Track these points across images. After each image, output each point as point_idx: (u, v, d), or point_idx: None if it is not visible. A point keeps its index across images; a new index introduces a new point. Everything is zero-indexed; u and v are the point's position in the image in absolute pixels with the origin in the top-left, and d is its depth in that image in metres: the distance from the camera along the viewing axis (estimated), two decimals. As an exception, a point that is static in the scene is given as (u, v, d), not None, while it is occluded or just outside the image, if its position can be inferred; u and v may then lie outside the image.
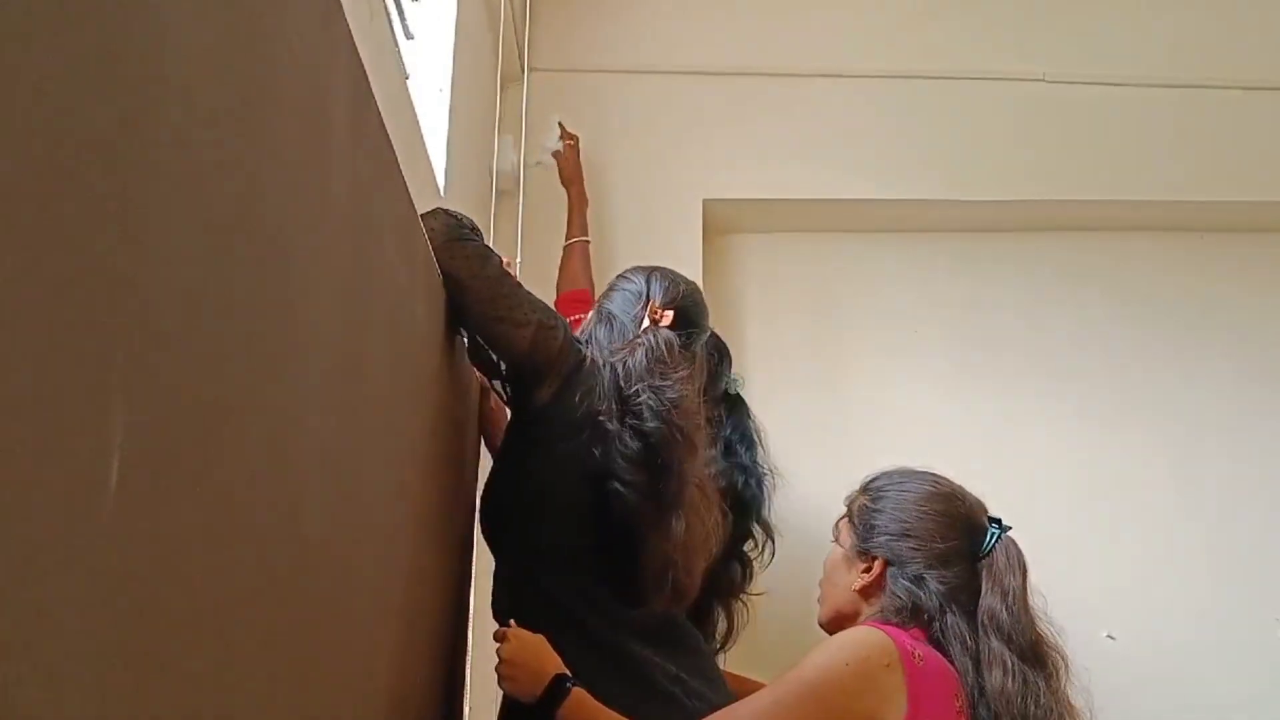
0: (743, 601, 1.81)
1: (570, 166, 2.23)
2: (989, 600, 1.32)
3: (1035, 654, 1.31)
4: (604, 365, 1.33)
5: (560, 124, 2.24)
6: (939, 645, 1.34)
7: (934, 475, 1.49)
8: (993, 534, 1.39)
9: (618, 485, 1.25)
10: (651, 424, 1.27)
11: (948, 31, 2.55)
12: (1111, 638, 2.23)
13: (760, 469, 1.85)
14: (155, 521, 0.47)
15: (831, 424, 2.37)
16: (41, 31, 0.39)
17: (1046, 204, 2.48)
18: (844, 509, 1.54)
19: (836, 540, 1.53)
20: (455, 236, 1.25)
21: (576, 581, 1.30)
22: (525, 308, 1.31)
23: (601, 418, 1.29)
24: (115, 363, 0.43)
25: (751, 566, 1.83)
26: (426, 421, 1.15)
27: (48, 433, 0.39)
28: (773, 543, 1.85)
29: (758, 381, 2.25)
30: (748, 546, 1.83)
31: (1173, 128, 2.51)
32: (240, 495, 0.57)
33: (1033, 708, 1.27)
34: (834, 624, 1.46)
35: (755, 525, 1.83)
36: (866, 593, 1.41)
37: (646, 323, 1.38)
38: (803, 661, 1.26)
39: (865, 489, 1.52)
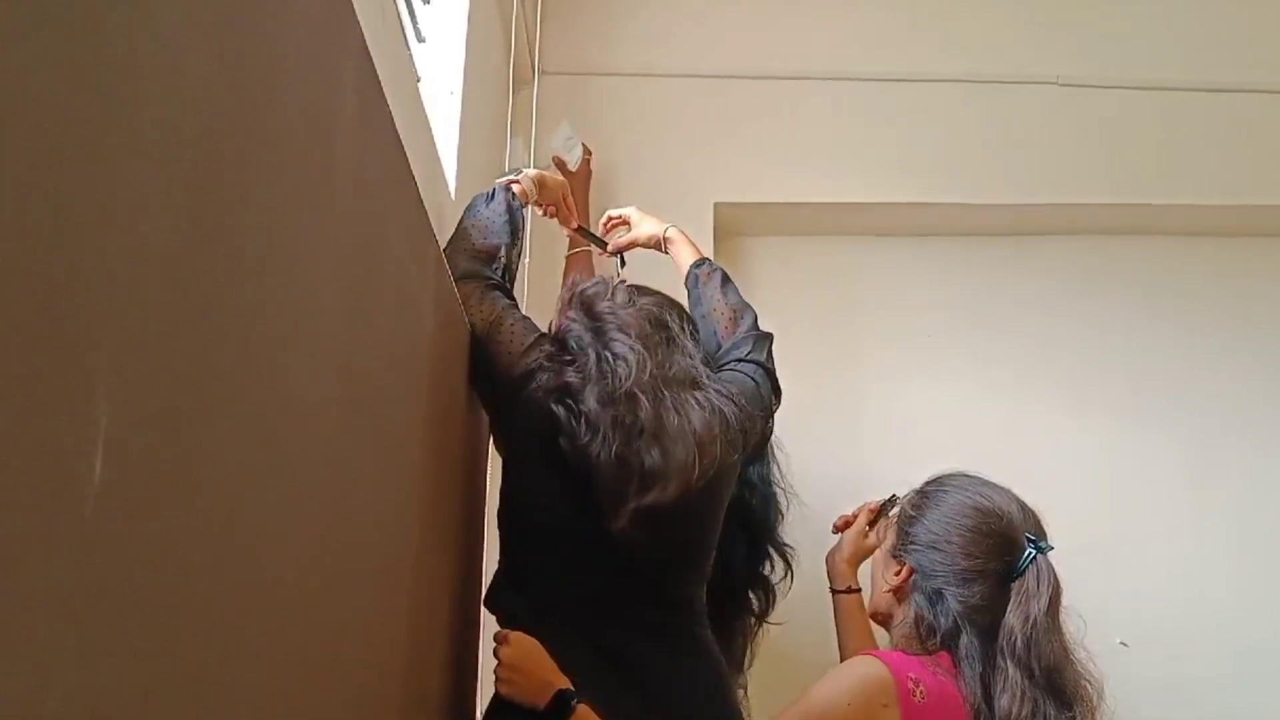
0: (763, 625, 1.74)
1: (581, 180, 2.22)
2: (1010, 622, 1.30)
3: (1052, 681, 1.28)
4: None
5: (584, 145, 2.23)
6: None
7: (983, 487, 1.45)
8: (1028, 555, 1.36)
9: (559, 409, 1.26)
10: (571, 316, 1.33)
11: (960, 35, 2.54)
12: (1124, 644, 2.21)
13: (769, 486, 1.76)
14: (142, 517, 0.46)
15: (845, 428, 2.36)
16: (21, 16, 0.38)
17: (1058, 207, 2.47)
18: (893, 501, 1.60)
19: (872, 528, 1.62)
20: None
21: (534, 600, 1.29)
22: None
23: (547, 363, 1.31)
24: (98, 355, 0.43)
25: (773, 592, 1.75)
26: (432, 420, 1.14)
27: (28, 425, 0.38)
28: (790, 569, 1.76)
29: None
30: (765, 569, 1.75)
31: (1187, 131, 2.49)
32: (231, 491, 0.56)
33: None
34: (875, 618, 1.51)
35: (770, 548, 1.75)
36: (898, 595, 1.44)
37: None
38: (809, 693, 1.30)
39: (919, 490, 1.52)
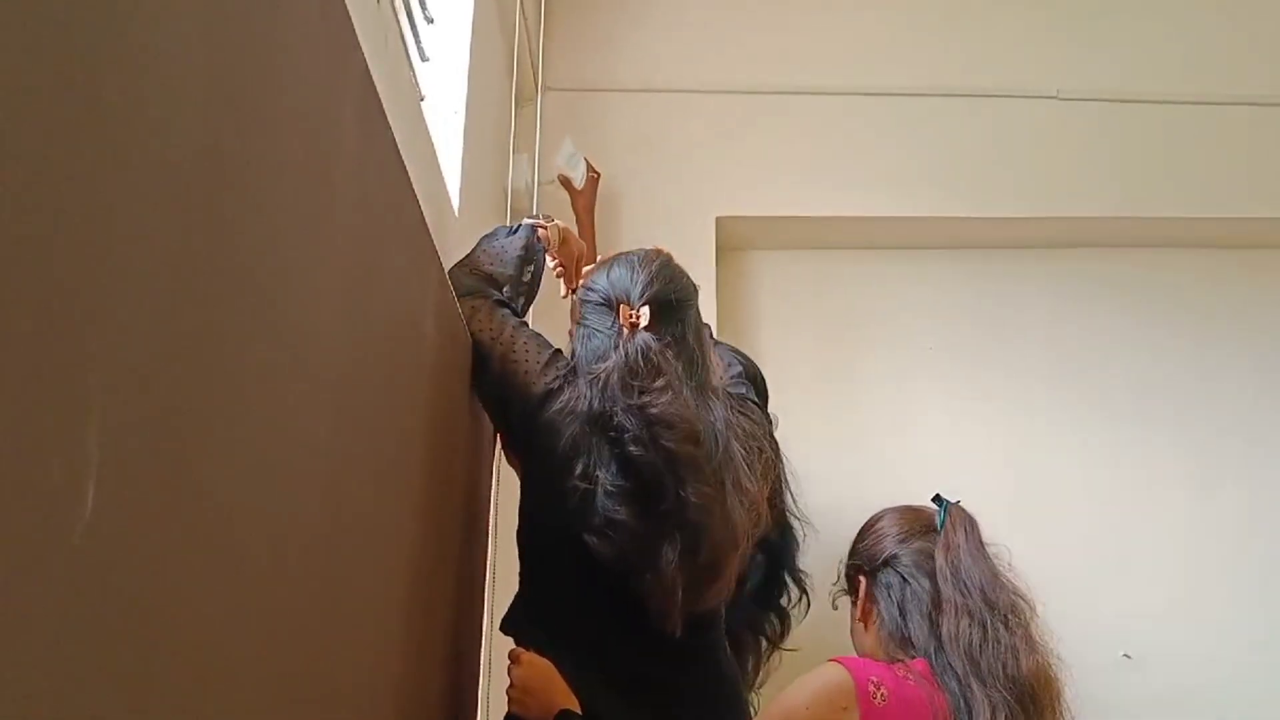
0: (777, 649, 1.77)
1: (587, 199, 2.23)
2: (939, 558, 1.53)
3: (987, 597, 1.49)
4: (581, 397, 1.24)
5: (586, 160, 2.24)
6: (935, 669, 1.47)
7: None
8: (942, 508, 1.60)
9: (592, 538, 1.18)
10: (634, 449, 1.16)
11: (960, 49, 2.56)
12: (1128, 656, 2.21)
13: (785, 516, 1.77)
14: (135, 536, 0.46)
15: (847, 442, 2.36)
16: (23, 41, 0.38)
17: (1058, 220, 2.48)
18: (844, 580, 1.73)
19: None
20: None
21: (549, 626, 1.27)
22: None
23: (579, 457, 1.21)
24: (93, 369, 0.43)
25: (788, 619, 1.77)
26: (432, 431, 1.15)
27: (18, 450, 0.38)
28: (806, 597, 1.78)
29: (771, 401, 2.24)
30: (781, 599, 1.77)
31: (1186, 144, 2.50)
32: (225, 506, 0.56)
33: (978, 639, 1.43)
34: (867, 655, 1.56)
35: (788, 577, 1.77)
36: (866, 617, 1.55)
37: (625, 332, 1.25)
38: (776, 700, 1.38)
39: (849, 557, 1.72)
